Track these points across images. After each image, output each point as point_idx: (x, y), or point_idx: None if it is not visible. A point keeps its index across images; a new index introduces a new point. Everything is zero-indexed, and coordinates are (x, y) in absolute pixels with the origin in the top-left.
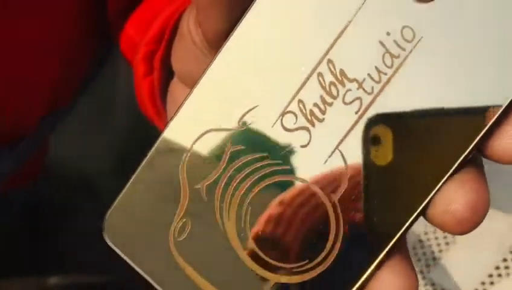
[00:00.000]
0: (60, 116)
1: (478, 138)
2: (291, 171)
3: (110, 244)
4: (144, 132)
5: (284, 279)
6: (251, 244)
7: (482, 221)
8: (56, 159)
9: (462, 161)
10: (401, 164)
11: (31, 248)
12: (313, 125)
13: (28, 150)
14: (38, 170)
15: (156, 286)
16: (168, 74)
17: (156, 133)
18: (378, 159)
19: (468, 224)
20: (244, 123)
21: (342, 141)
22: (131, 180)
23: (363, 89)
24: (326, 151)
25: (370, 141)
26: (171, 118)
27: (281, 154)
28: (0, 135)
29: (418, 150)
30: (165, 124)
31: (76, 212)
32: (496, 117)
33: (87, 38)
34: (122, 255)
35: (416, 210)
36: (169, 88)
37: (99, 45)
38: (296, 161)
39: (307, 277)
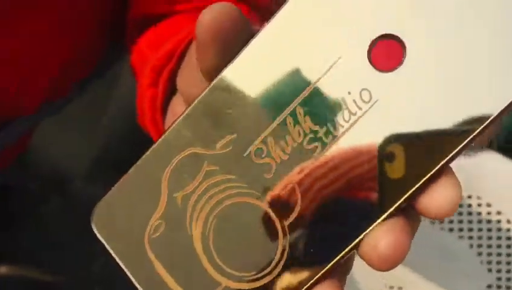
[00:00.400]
0: (56, 106)
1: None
2: (253, 195)
3: (96, 232)
4: (128, 143)
5: (233, 285)
6: (211, 251)
7: (400, 262)
8: (36, 152)
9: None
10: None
11: None
12: (277, 160)
13: (18, 132)
14: (15, 155)
15: (129, 275)
16: (171, 90)
17: (146, 144)
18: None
19: (388, 264)
20: (222, 148)
21: (299, 178)
22: (122, 179)
23: (322, 137)
24: (285, 184)
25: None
26: (165, 131)
27: (247, 179)
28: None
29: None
30: (160, 135)
31: (43, 208)
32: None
33: (99, 39)
34: (105, 244)
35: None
36: (170, 103)
37: (109, 49)
38: (259, 187)
39: (253, 285)
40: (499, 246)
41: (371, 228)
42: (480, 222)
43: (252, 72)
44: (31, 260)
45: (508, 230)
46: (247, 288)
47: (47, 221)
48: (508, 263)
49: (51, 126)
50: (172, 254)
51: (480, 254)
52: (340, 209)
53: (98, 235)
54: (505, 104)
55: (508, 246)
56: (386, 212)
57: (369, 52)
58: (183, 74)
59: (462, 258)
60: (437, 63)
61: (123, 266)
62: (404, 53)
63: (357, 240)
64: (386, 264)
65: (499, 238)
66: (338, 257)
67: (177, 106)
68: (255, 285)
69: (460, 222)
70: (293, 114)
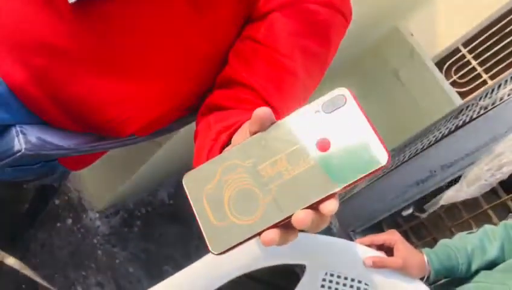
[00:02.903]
0: (135, 141)
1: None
2: (254, 185)
3: (184, 186)
4: (143, 199)
5: (236, 221)
6: (230, 204)
7: (306, 226)
8: (75, 176)
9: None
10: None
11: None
12: (269, 175)
13: (105, 147)
14: (82, 166)
15: (193, 207)
16: (225, 145)
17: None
18: None
19: (300, 225)
20: (248, 164)
21: (278, 183)
22: (200, 166)
23: (290, 170)
24: (269, 184)
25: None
26: (225, 151)
27: (253, 179)
28: (98, 130)
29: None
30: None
31: (60, 225)
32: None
33: (184, 105)
34: (186, 191)
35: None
36: (224, 151)
37: (185, 115)
38: (258, 183)
39: (245, 222)
40: None
41: (297, 210)
42: None
43: (267, 141)
44: (32, 262)
45: None
46: (241, 223)
47: (56, 237)
48: None
49: (97, 162)
50: (213, 202)
51: None
52: (288, 199)
53: (185, 187)
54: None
55: None
56: (303, 207)
57: (317, 143)
58: (236, 136)
59: None
60: (338, 157)
61: (191, 202)
62: (330, 145)
63: (291, 213)
64: (299, 225)
65: None
66: (282, 219)
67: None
68: (246, 222)
69: None
70: (280, 158)
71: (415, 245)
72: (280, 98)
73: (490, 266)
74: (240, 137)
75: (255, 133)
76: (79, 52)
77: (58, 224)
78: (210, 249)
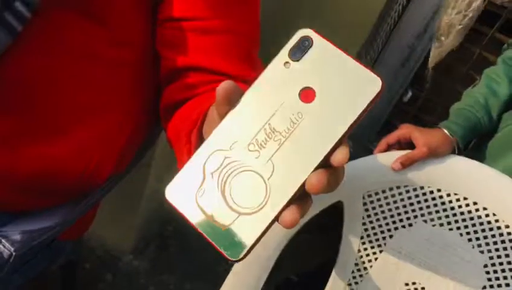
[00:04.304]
0: (115, 181)
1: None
2: (250, 168)
3: (168, 200)
4: (161, 220)
5: (245, 213)
6: (231, 198)
7: (323, 190)
8: (89, 237)
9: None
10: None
11: None
12: (261, 150)
13: (92, 203)
14: (86, 227)
15: (184, 215)
16: (200, 142)
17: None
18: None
19: (315, 189)
20: (235, 147)
21: (273, 154)
22: (180, 171)
23: (281, 136)
24: (265, 160)
25: None
26: (205, 140)
27: (245, 159)
28: (75, 191)
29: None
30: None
31: (100, 285)
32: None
33: (144, 130)
34: (174, 205)
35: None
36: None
37: (152, 132)
38: (251, 162)
39: (255, 211)
40: (483, 231)
41: (308, 174)
42: (470, 212)
43: (244, 115)
44: None
45: (487, 215)
46: (252, 214)
47: None
48: (495, 243)
49: (101, 212)
50: (210, 205)
51: (470, 240)
52: (293, 167)
53: (171, 202)
54: (353, 119)
55: (491, 229)
56: (312, 169)
57: (300, 95)
58: (206, 127)
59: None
60: (329, 101)
61: (185, 215)
62: (315, 93)
63: (302, 181)
64: (315, 189)
65: (481, 224)
66: (295, 191)
67: None
68: (257, 210)
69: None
70: (266, 128)
71: (431, 122)
72: (229, 62)
73: (509, 105)
74: (210, 126)
75: (225, 114)
76: (9, 131)
77: (100, 285)
78: (229, 257)
